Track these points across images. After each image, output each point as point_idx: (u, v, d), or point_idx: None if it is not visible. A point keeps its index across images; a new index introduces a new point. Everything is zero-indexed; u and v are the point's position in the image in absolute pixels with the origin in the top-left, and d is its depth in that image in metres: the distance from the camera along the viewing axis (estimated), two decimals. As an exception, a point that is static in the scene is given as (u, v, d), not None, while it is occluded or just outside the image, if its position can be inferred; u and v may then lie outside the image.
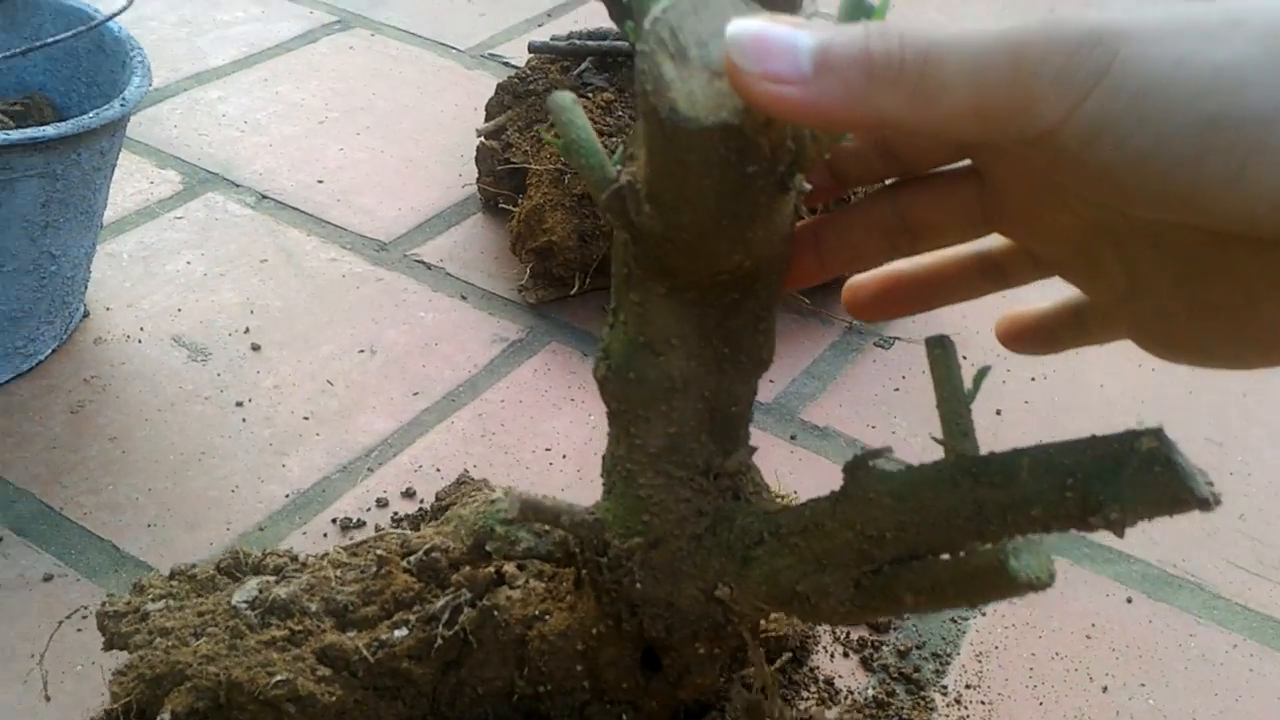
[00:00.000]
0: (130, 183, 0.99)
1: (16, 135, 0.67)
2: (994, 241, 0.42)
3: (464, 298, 0.91)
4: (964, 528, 0.38)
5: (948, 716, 0.62)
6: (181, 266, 0.91)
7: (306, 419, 0.78)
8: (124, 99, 0.74)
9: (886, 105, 0.29)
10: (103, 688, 0.59)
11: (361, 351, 0.85)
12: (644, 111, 0.33)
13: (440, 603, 0.50)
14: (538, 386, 0.83)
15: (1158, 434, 0.34)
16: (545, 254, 0.88)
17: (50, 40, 0.76)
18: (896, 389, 0.84)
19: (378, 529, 0.70)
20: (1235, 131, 0.26)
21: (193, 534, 0.69)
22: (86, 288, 0.84)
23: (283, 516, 0.71)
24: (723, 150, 0.32)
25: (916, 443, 0.80)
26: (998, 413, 0.83)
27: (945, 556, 0.39)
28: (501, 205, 0.98)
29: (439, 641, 0.49)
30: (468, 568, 0.51)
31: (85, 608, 0.63)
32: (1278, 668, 0.66)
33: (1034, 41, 0.28)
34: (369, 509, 0.72)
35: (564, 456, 0.77)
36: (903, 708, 0.62)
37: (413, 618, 0.50)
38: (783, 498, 0.51)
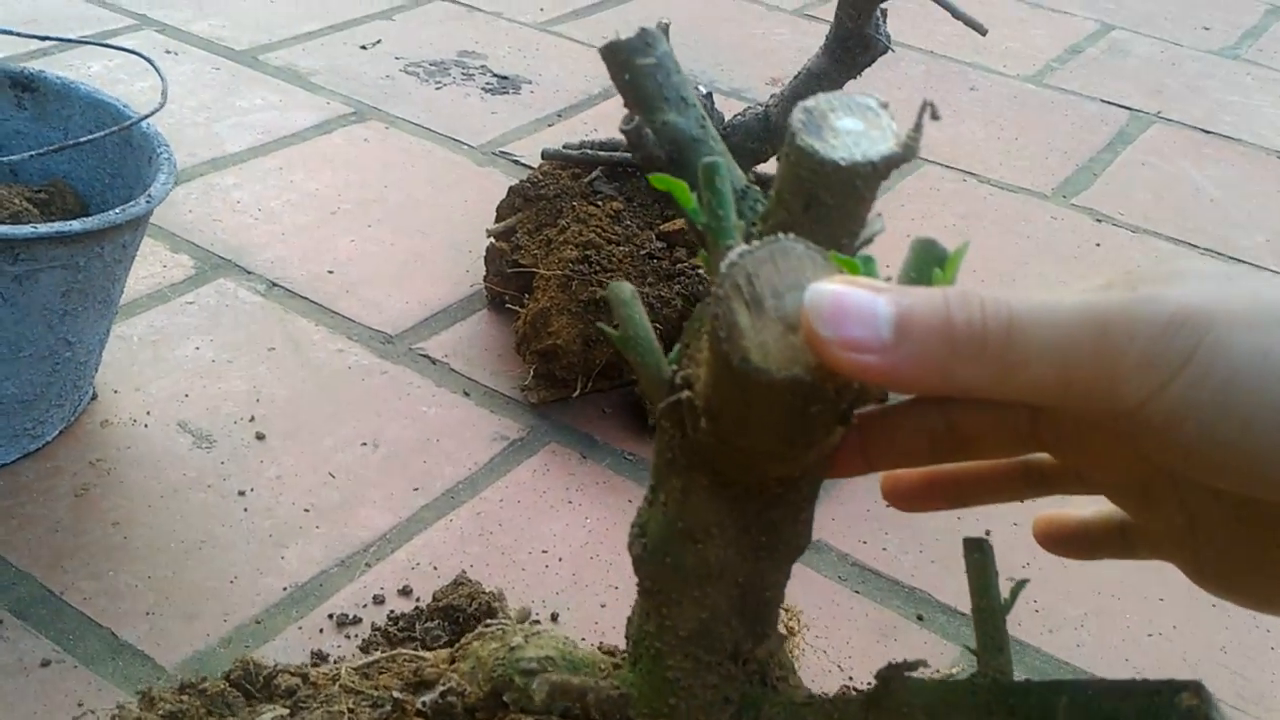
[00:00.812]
0: (144, 266, 1.01)
1: (44, 229, 0.69)
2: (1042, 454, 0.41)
3: (467, 394, 0.92)
4: None
5: None
6: (190, 352, 0.93)
7: (307, 511, 0.80)
8: (150, 196, 0.76)
9: (967, 376, 0.29)
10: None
11: (364, 445, 0.86)
12: (713, 350, 0.33)
13: None
14: (536, 487, 0.84)
15: (1198, 689, 0.35)
16: (549, 356, 0.90)
17: (82, 139, 0.78)
18: (889, 505, 0.86)
19: (374, 627, 0.71)
20: None
21: (190, 625, 0.70)
22: (97, 371, 0.85)
23: (280, 610, 0.72)
24: (790, 397, 0.33)
25: (907, 561, 0.81)
26: (987, 533, 0.84)
27: None
28: (508, 304, 1.00)
29: None
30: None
31: (79, 706, 0.64)
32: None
33: (1119, 320, 0.28)
34: (365, 605, 0.73)
35: (560, 560, 0.78)
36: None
37: None
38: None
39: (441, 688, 0.51)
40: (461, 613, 0.70)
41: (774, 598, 0.44)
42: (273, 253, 1.06)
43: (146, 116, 0.79)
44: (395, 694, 0.52)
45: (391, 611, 0.73)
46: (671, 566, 0.42)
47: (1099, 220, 1.25)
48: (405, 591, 0.74)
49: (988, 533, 0.84)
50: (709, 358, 0.35)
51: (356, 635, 0.71)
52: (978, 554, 0.41)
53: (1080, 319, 0.29)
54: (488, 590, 0.72)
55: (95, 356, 0.82)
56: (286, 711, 0.52)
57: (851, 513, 0.85)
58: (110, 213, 0.73)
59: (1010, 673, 0.40)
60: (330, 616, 0.72)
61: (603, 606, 0.75)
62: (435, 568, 0.77)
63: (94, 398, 0.86)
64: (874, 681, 0.41)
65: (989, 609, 0.41)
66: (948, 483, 0.42)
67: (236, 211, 1.11)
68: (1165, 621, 0.78)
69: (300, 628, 0.71)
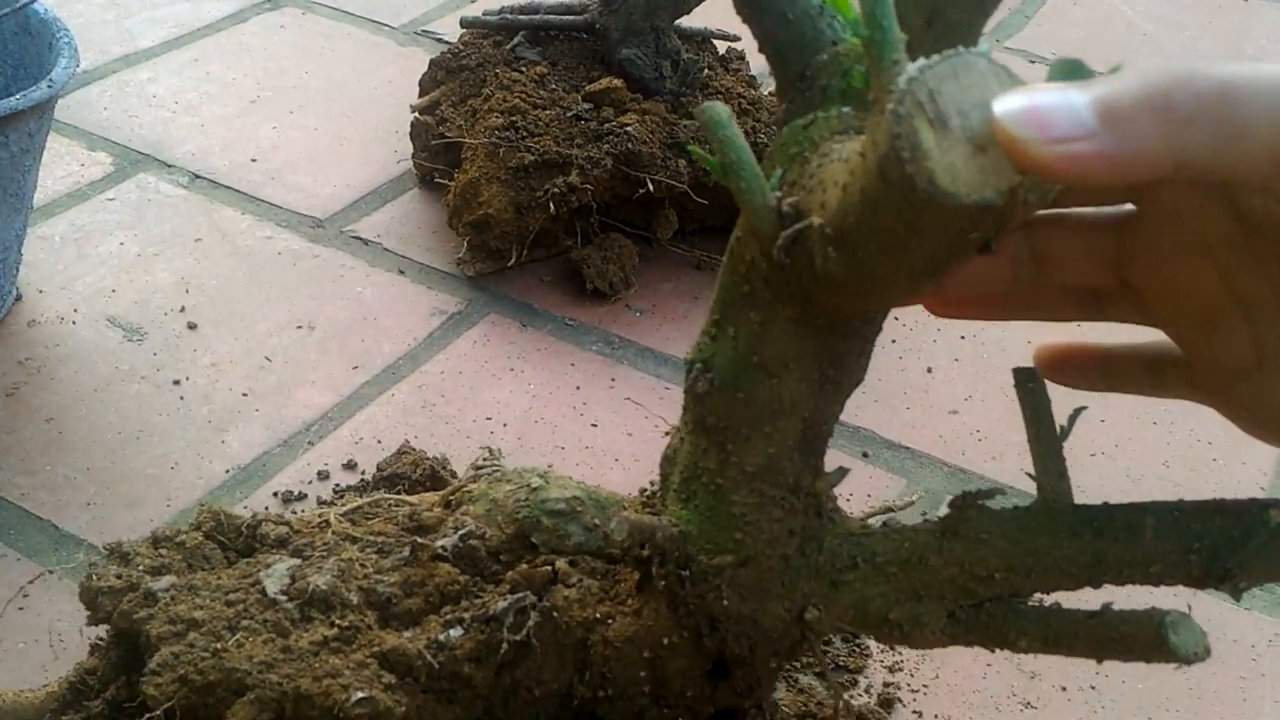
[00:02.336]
0: (60, 165, 0.98)
1: (-60, 116, 0.66)
2: None
3: (402, 272, 0.91)
4: (1076, 575, 0.39)
5: (882, 662, 0.63)
6: (115, 248, 0.91)
7: (245, 395, 0.79)
8: (51, 80, 0.74)
9: (1184, 147, 0.27)
10: (46, 664, 0.60)
11: (299, 328, 0.85)
12: (885, 173, 0.31)
13: (502, 604, 0.47)
14: (477, 358, 0.84)
15: None
16: (482, 227, 0.89)
17: (-28, 21, 0.75)
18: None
19: (320, 502, 0.71)
20: None
21: (132, 511, 0.70)
22: (18, 271, 0.83)
23: (224, 491, 0.72)
24: (965, 224, 0.31)
25: (850, 401, 0.81)
26: (928, 370, 0.84)
27: (1071, 610, 0.40)
28: (437, 180, 0.98)
29: (504, 646, 0.47)
30: (524, 566, 0.49)
31: (23, 595, 0.63)
32: (1202, 609, 0.68)
33: None
34: (310, 481, 0.73)
35: (504, 425, 0.78)
36: (839, 655, 0.63)
37: (467, 616, 0.48)
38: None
39: (460, 530, 0.49)
40: (406, 479, 0.70)
41: (829, 431, 0.44)
42: (193, 145, 1.03)
43: (38, -3, 0.77)
44: (415, 539, 0.50)
45: (337, 485, 0.72)
46: (744, 401, 0.41)
47: (1032, 61, 1.24)
48: (350, 465, 0.74)
49: (929, 370, 0.84)
50: (861, 181, 0.33)
51: (302, 510, 0.71)
52: (1031, 383, 0.41)
53: None
54: (431, 457, 0.72)
55: (13, 254, 0.80)
56: (299, 561, 0.50)
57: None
58: (11, 99, 0.70)
59: (1071, 498, 0.40)
60: (275, 494, 0.72)
61: (549, 467, 0.75)
62: (379, 441, 0.76)
63: (18, 298, 0.84)
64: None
65: (1047, 436, 0.40)
66: (995, 293, 0.40)
67: (153, 106, 1.08)
68: (1107, 441, 0.79)
69: (245, 507, 0.71)
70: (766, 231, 0.37)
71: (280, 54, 1.18)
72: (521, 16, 0.97)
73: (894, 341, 0.86)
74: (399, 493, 0.70)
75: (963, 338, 0.87)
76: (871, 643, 0.64)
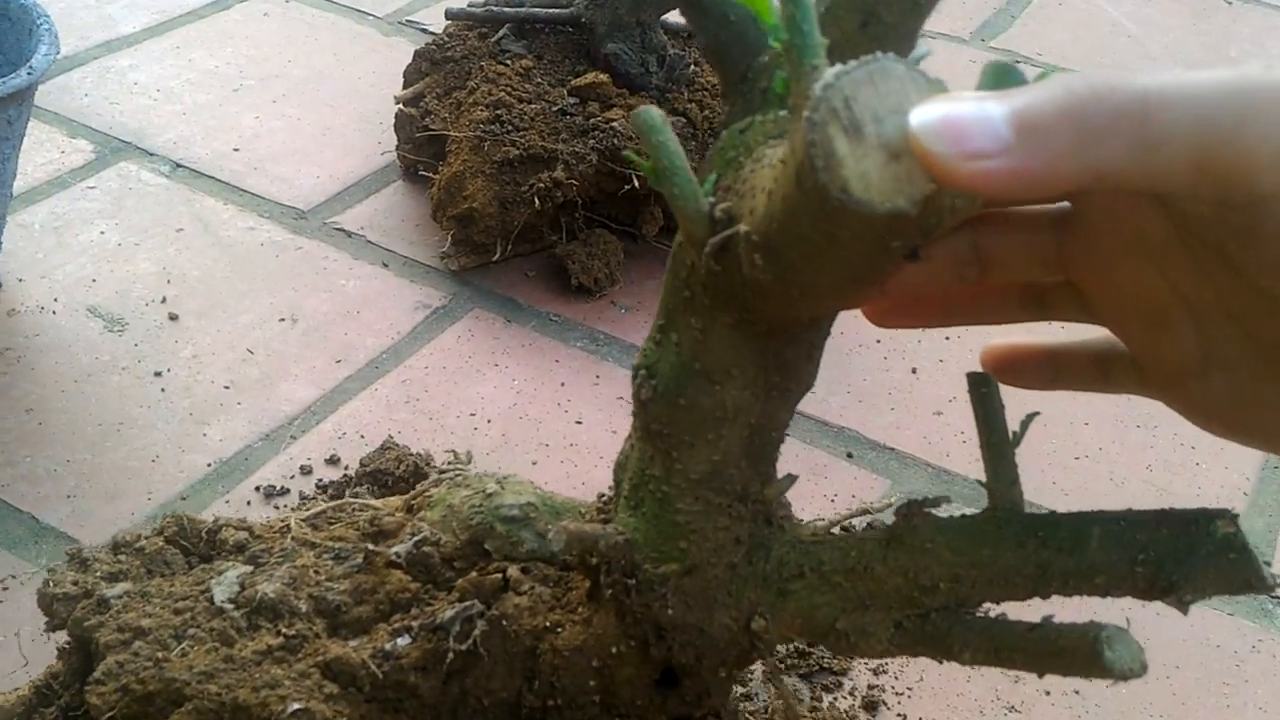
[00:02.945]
0: (40, 152, 0.97)
1: (-80, 102, 0.66)
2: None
3: (385, 265, 0.91)
4: (1022, 585, 0.38)
5: (867, 664, 0.63)
6: (95, 237, 0.90)
7: (227, 388, 0.78)
8: (31, 67, 0.73)
9: (1101, 159, 0.27)
10: (21, 659, 0.59)
11: (282, 320, 0.84)
12: (800, 181, 0.31)
13: (449, 612, 0.47)
14: (461, 353, 0.83)
15: (1233, 519, 0.35)
16: (466, 221, 0.88)
17: (-47, 6, 0.74)
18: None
19: (302, 496, 0.71)
20: None
21: (113, 504, 0.69)
22: (-3, 259, 0.83)
23: (205, 485, 0.71)
24: (882, 231, 0.31)
25: (835, 402, 0.81)
26: (913, 371, 0.84)
27: (1014, 622, 0.39)
28: (421, 172, 0.97)
29: (450, 655, 0.46)
30: (474, 574, 0.48)
31: (2, 589, 0.63)
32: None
33: (1262, 98, 0.27)
34: (293, 476, 0.72)
35: (489, 421, 0.78)
36: (824, 657, 0.63)
37: (415, 625, 0.48)
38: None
39: (414, 537, 0.49)
40: (390, 475, 0.69)
41: (778, 438, 0.43)
42: (175, 133, 1.02)
43: (21, -17, 0.76)
44: (369, 545, 0.49)
45: (320, 480, 0.72)
46: (686, 408, 0.41)
47: (1018, 61, 1.24)
48: (333, 460, 0.74)
49: (913, 370, 0.84)
50: (782, 188, 0.32)
51: (285, 506, 0.70)
52: (984, 388, 0.40)
53: (1220, 93, 0.27)
54: (415, 452, 0.71)
55: (-7, 243, 0.80)
56: (250, 568, 0.50)
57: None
58: (-10, 86, 0.69)
59: (1023, 506, 0.40)
60: (257, 489, 0.71)
61: (534, 464, 0.75)
62: (362, 436, 0.76)
63: (-3, 287, 0.83)
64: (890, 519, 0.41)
65: (999, 443, 0.40)
66: (936, 299, 0.40)
67: (134, 93, 1.07)
68: (1091, 445, 0.79)
69: (227, 501, 0.70)
70: (699, 237, 0.37)
71: (263, 42, 1.17)
72: (507, 9, 0.97)
73: (879, 342, 0.86)
74: (382, 488, 0.69)
75: (947, 339, 0.87)
76: (856, 644, 0.64)
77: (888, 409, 0.81)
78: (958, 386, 0.84)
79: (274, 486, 0.71)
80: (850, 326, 0.88)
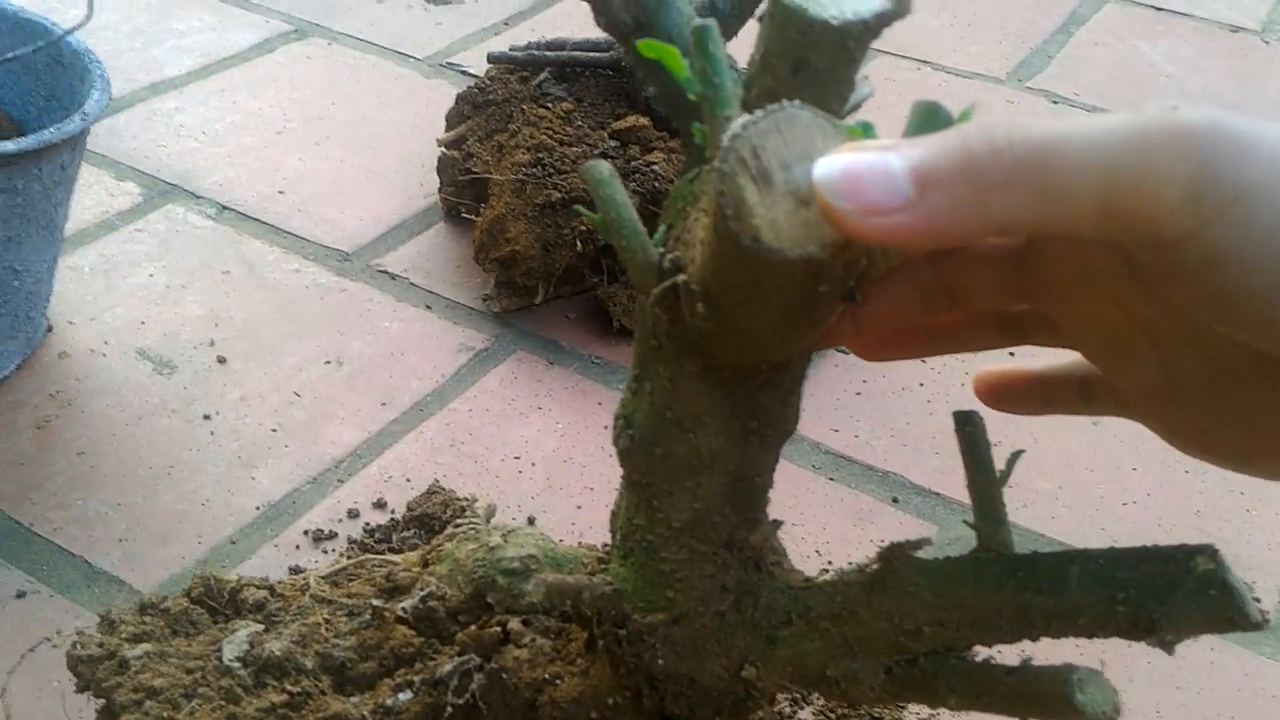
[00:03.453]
0: (89, 195, 0.99)
1: (-20, 152, 0.67)
2: None
3: (429, 307, 0.91)
4: (1006, 628, 0.38)
5: (917, 713, 0.63)
6: (144, 279, 0.91)
7: (275, 431, 0.79)
8: (84, 113, 0.74)
9: (1003, 211, 0.27)
10: (78, 706, 0.59)
11: (328, 363, 0.85)
12: (717, 231, 0.31)
13: (448, 667, 0.48)
14: (505, 395, 0.84)
15: (1213, 554, 0.35)
16: (509, 263, 0.89)
17: (8, 56, 0.75)
18: (858, 393, 0.86)
19: (350, 540, 0.71)
20: None
21: (164, 548, 0.69)
22: (49, 302, 0.84)
23: (254, 529, 0.71)
24: (801, 277, 0.31)
25: (879, 446, 0.81)
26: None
27: (996, 666, 0.39)
28: (464, 215, 0.98)
29: (448, 710, 0.47)
30: (473, 627, 0.49)
31: (57, 634, 0.63)
32: (1238, 662, 0.68)
33: (1161, 143, 0.27)
34: (340, 520, 0.73)
35: (533, 464, 0.78)
36: (870, 709, 0.63)
37: (416, 679, 0.48)
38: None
39: (421, 593, 0.50)
40: (436, 520, 0.70)
41: (764, 483, 0.43)
42: (220, 175, 1.03)
43: (73, 30, 0.77)
44: (374, 602, 0.50)
45: (367, 524, 0.72)
46: (662, 457, 0.41)
47: (1055, 102, 1.24)
48: (379, 504, 0.74)
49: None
50: (709, 238, 0.33)
51: (333, 550, 0.71)
52: (969, 427, 0.40)
53: (1119, 139, 0.27)
54: (461, 497, 0.72)
55: (45, 286, 0.81)
56: (262, 627, 0.51)
57: (822, 402, 0.85)
58: (45, 132, 0.71)
59: (1011, 545, 0.39)
60: (305, 533, 0.71)
61: (578, 508, 0.75)
62: (408, 479, 0.76)
63: (49, 330, 0.84)
64: (873, 563, 0.40)
65: (985, 482, 0.40)
66: (918, 331, 0.41)
67: (180, 136, 1.08)
68: (1139, 490, 0.79)
69: (276, 545, 0.71)
70: (647, 287, 0.37)
71: (306, 84, 1.18)
72: (548, 53, 0.98)
73: (922, 385, 0.86)
74: (429, 532, 0.70)
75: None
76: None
77: (933, 453, 0.81)
78: (1003, 431, 0.83)
79: (321, 530, 0.71)
80: (893, 370, 0.89)
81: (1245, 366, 0.32)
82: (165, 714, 0.47)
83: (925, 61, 1.31)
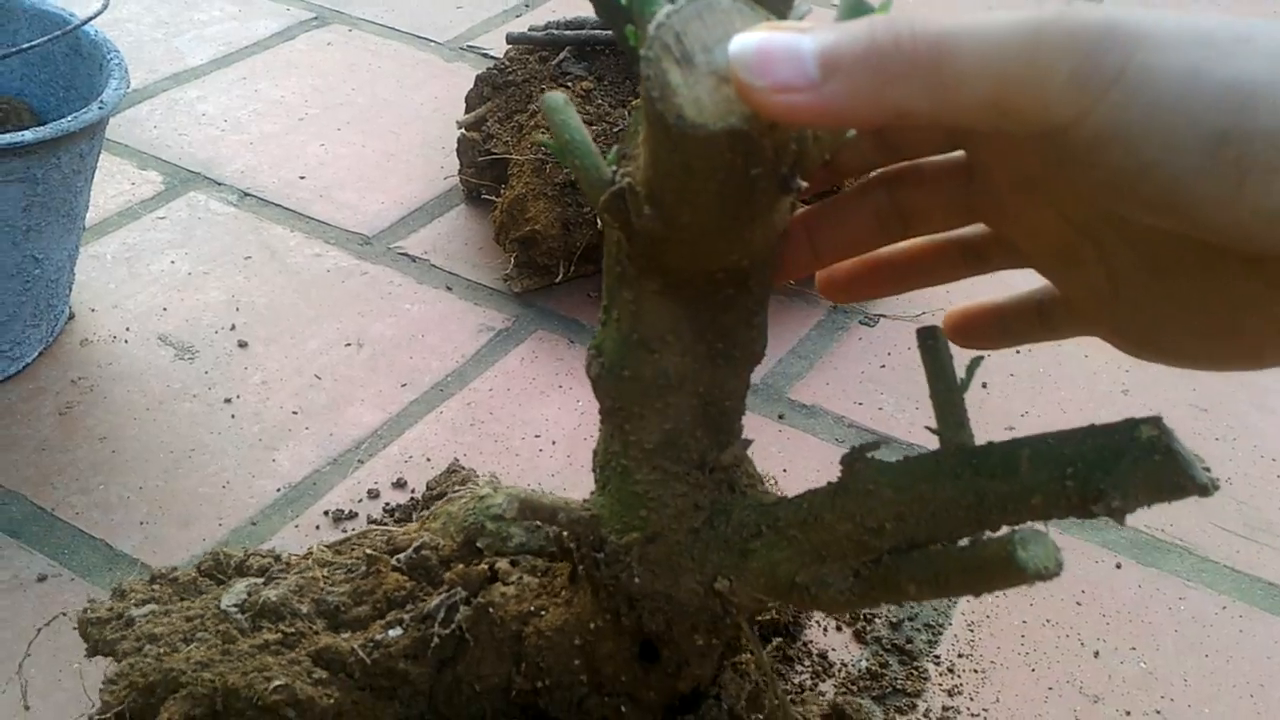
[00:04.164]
0: (111, 184, 0.99)
1: (-5, 139, 0.67)
2: (975, 227, 0.41)
3: (449, 289, 0.91)
4: (964, 518, 0.38)
5: (941, 685, 0.62)
6: (166, 266, 0.91)
7: (295, 413, 0.79)
8: (102, 102, 0.74)
9: (900, 99, 0.29)
10: (98, 686, 0.59)
11: (348, 345, 0.85)
12: (648, 116, 0.33)
13: (435, 601, 0.49)
14: (525, 374, 0.83)
15: (1157, 422, 0.35)
16: (529, 243, 0.88)
17: (26, 46, 0.75)
18: (882, 366, 0.85)
19: (370, 520, 0.71)
20: (1241, 146, 0.27)
21: (186, 531, 0.70)
22: (71, 290, 0.84)
23: (275, 511, 0.72)
24: (729, 155, 0.32)
25: (904, 419, 0.80)
26: (984, 385, 0.83)
27: (950, 546, 0.39)
28: (484, 196, 0.98)
29: (435, 640, 0.48)
30: (460, 565, 0.50)
31: (70, 610, 0.63)
32: (1267, 628, 0.67)
33: (1051, 36, 0.28)
34: (360, 500, 0.73)
35: (553, 443, 0.78)
36: (896, 678, 0.62)
37: (406, 617, 0.50)
38: (773, 482, 0.51)
39: (415, 543, 0.51)
40: (450, 494, 0.69)
41: (735, 407, 0.44)
42: (242, 162, 1.04)
43: (90, 19, 0.77)
44: (368, 551, 0.51)
45: (387, 504, 0.72)
46: (630, 379, 0.42)
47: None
48: (399, 484, 0.74)
49: (984, 385, 0.83)
50: (646, 133, 0.34)
51: (353, 529, 0.70)
52: (930, 340, 0.41)
53: (1012, 34, 0.28)
54: (481, 475, 0.71)
55: (66, 274, 0.81)
56: (261, 580, 0.52)
57: (845, 376, 0.84)
58: (63, 121, 0.71)
59: (972, 445, 0.39)
60: (326, 513, 0.71)
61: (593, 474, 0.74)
62: (428, 459, 0.76)
63: (71, 317, 0.85)
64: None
65: (947, 389, 0.40)
66: (884, 266, 0.42)
67: (202, 124, 1.09)
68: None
69: (297, 526, 0.71)
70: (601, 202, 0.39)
71: (327, 71, 1.18)
72: (567, 32, 0.97)
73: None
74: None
75: (1018, 352, 0.86)
76: (930, 665, 0.63)
77: (957, 425, 0.79)
78: (1030, 401, 0.83)
79: (342, 511, 0.71)
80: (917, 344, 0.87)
81: (1179, 257, 0.33)
82: (163, 653, 0.49)
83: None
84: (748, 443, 0.45)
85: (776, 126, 0.32)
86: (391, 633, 0.49)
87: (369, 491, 0.73)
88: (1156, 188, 0.28)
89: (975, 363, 0.41)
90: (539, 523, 0.47)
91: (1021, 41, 0.28)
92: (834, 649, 0.64)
